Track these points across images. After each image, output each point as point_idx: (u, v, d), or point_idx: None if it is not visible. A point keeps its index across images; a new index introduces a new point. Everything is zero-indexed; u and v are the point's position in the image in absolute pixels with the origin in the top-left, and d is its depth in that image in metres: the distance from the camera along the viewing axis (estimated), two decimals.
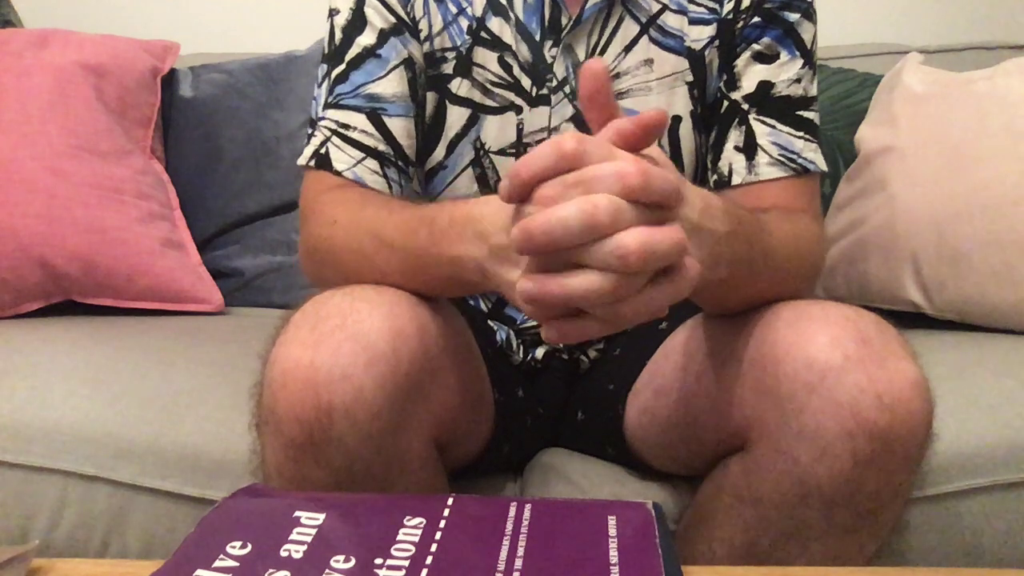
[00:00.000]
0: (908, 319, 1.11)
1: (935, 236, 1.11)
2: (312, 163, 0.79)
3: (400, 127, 0.80)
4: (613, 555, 0.49)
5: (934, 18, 1.62)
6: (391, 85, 0.80)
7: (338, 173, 0.78)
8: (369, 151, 0.79)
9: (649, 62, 0.82)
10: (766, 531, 0.65)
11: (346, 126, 0.79)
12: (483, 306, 0.89)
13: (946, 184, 1.11)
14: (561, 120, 0.82)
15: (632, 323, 0.51)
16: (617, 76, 0.82)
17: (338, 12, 0.81)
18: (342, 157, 0.78)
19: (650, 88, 0.82)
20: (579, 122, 0.82)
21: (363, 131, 0.79)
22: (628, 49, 0.82)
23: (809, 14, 0.81)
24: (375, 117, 0.79)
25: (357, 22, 0.80)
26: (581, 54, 0.82)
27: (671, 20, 0.82)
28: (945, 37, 1.53)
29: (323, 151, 0.79)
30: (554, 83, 0.82)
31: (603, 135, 0.53)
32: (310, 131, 0.81)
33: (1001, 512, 0.81)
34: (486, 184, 0.85)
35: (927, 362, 0.62)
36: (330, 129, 0.79)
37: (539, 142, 0.82)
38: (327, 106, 0.80)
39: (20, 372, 0.90)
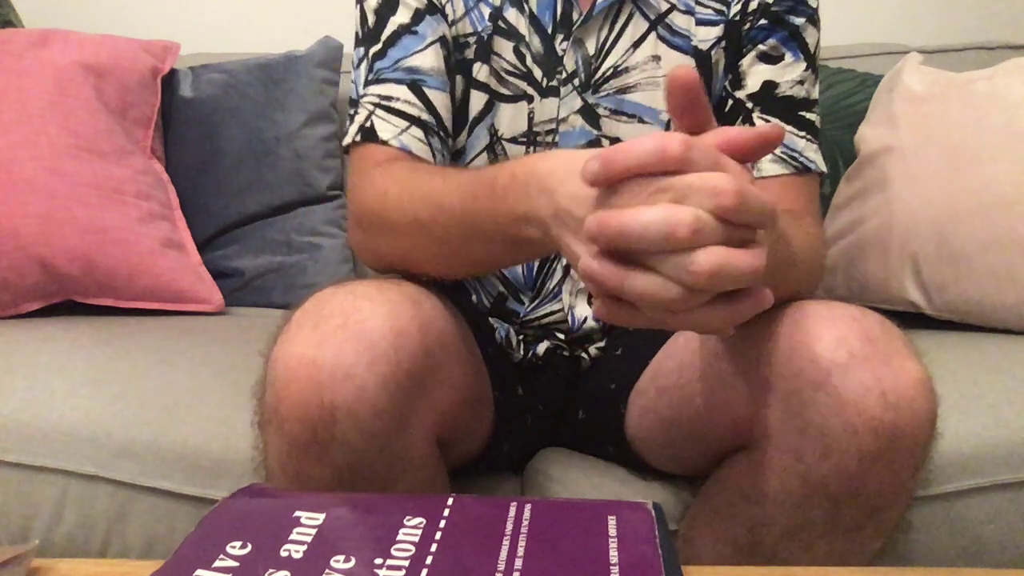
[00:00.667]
0: (908, 319, 1.11)
1: (935, 236, 1.11)
2: (358, 138, 0.80)
3: (440, 99, 0.81)
4: (613, 555, 0.49)
5: (934, 18, 1.62)
6: (428, 59, 0.81)
7: (384, 143, 0.78)
8: (413, 120, 0.79)
9: (656, 58, 0.83)
10: (771, 529, 0.65)
11: (388, 97, 0.80)
12: (485, 301, 0.89)
13: (946, 184, 1.11)
14: (569, 112, 0.83)
15: (679, 329, 0.50)
16: (626, 71, 0.83)
17: None
18: (387, 127, 0.79)
19: (658, 84, 0.83)
20: (587, 114, 0.83)
21: (406, 101, 0.80)
22: (636, 45, 0.83)
23: (814, 20, 0.83)
24: (416, 88, 0.80)
25: (390, 2, 0.82)
26: (591, 48, 0.83)
27: (679, 20, 0.83)
28: (945, 37, 1.53)
29: (368, 124, 0.80)
30: (564, 75, 0.83)
31: (711, 139, 0.51)
32: (352, 111, 0.82)
33: (1001, 512, 0.81)
34: None
35: (927, 362, 0.62)
36: (373, 103, 0.80)
37: (548, 132, 0.82)
38: (368, 83, 0.81)
39: (20, 372, 0.90)
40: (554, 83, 0.83)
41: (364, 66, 0.82)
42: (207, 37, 1.60)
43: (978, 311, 1.09)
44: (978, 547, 0.81)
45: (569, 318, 0.87)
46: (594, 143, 0.83)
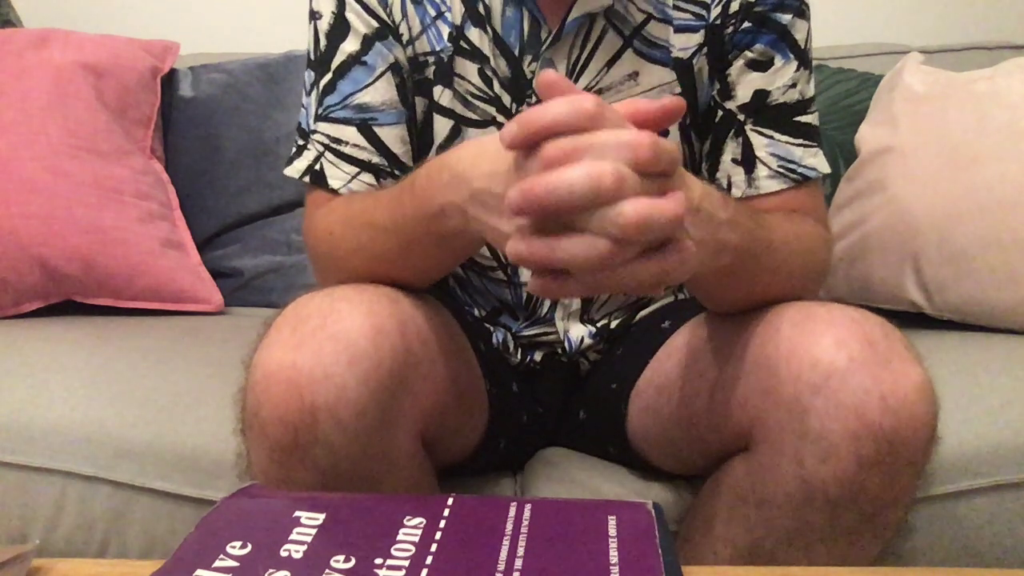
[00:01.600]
0: (908, 319, 1.11)
1: (935, 236, 1.11)
2: (307, 179, 0.79)
3: (392, 135, 0.78)
4: (613, 555, 0.49)
5: (934, 18, 1.62)
6: (379, 93, 0.78)
7: (334, 191, 0.77)
8: (363, 165, 0.78)
9: (634, 75, 0.79)
10: (770, 532, 0.65)
11: (338, 140, 0.78)
12: (477, 313, 0.89)
13: (946, 184, 1.11)
14: None
15: (613, 292, 0.52)
16: (600, 92, 0.79)
17: (320, 16, 0.79)
18: (337, 174, 0.78)
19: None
20: None
21: (355, 145, 0.77)
22: (612, 63, 0.79)
23: (801, 12, 0.78)
24: (366, 128, 0.78)
25: (340, 27, 0.78)
26: (562, 69, 0.78)
27: (656, 30, 0.79)
28: (945, 37, 1.53)
29: (317, 168, 0.78)
30: (534, 100, 0.79)
31: (619, 107, 0.53)
32: (300, 141, 0.80)
33: (1002, 512, 0.81)
34: None
35: (927, 363, 0.62)
36: (323, 144, 0.78)
37: None
38: (317, 118, 0.79)
39: (20, 372, 0.90)
40: (524, 108, 0.79)
41: (315, 97, 0.79)
42: (207, 37, 1.60)
43: (978, 311, 1.09)
44: (978, 547, 0.81)
45: (565, 343, 0.86)
46: None
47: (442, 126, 0.81)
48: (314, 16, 0.79)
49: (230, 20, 1.64)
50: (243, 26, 1.64)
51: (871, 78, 1.35)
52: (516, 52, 0.78)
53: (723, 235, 0.59)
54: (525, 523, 0.53)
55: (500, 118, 0.80)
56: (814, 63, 0.82)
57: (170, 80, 1.41)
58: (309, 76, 0.80)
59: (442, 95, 0.80)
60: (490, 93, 0.79)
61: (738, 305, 0.70)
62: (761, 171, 0.78)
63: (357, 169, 0.78)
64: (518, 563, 0.48)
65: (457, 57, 0.79)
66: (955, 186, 1.10)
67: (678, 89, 0.80)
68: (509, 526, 0.52)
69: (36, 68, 1.24)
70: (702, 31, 0.79)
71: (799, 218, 0.75)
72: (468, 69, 0.79)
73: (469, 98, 0.80)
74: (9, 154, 1.18)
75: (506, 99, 0.79)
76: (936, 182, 1.12)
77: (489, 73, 0.79)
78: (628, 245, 0.49)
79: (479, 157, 0.57)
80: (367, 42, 0.78)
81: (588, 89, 0.79)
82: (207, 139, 1.39)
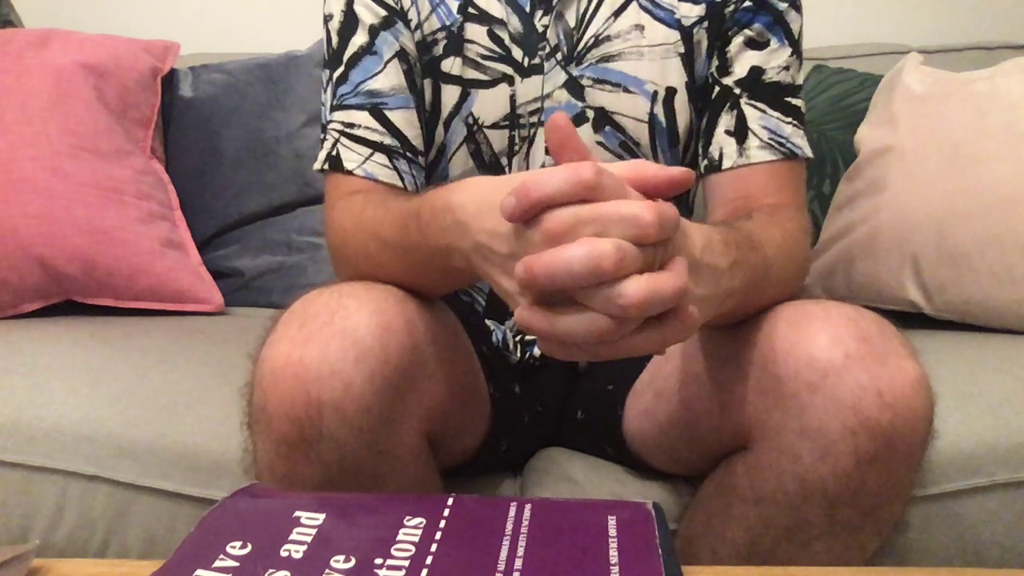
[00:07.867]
0: (908, 319, 1.11)
1: (935, 236, 1.11)
2: (326, 166, 0.81)
3: (403, 119, 0.81)
4: (613, 555, 0.49)
5: (934, 18, 1.62)
6: (388, 79, 0.81)
7: (350, 172, 0.79)
8: (376, 146, 0.80)
9: (640, 27, 0.83)
10: (768, 530, 0.65)
11: (351, 125, 0.81)
12: (477, 307, 0.89)
13: (946, 184, 1.11)
14: (554, 87, 0.83)
15: (617, 358, 0.51)
16: (608, 39, 0.83)
17: (332, 17, 0.83)
18: (351, 156, 0.80)
19: (642, 53, 0.83)
20: (572, 88, 0.83)
21: (367, 127, 0.80)
22: (618, 14, 0.83)
23: (796, 5, 0.83)
24: (377, 112, 0.81)
25: (350, 22, 0.82)
26: (571, 20, 0.83)
27: None
28: (945, 37, 1.53)
29: (334, 153, 0.81)
30: (547, 50, 0.83)
31: (621, 171, 0.52)
32: (322, 136, 0.83)
33: (1001, 512, 0.81)
34: (481, 160, 0.85)
35: (927, 362, 0.62)
36: (337, 131, 0.81)
37: (532, 112, 0.83)
38: (332, 109, 0.82)
39: (20, 372, 0.90)
40: (536, 60, 0.83)
41: (329, 90, 0.83)
42: (207, 37, 1.60)
43: (978, 311, 1.09)
44: (978, 547, 0.81)
45: None
46: (579, 116, 0.83)
47: (450, 95, 0.84)
48: (327, 19, 0.84)
49: (230, 20, 1.64)
50: (243, 26, 1.64)
51: (871, 78, 1.35)
52: (527, 8, 0.83)
53: (726, 284, 0.58)
54: (525, 523, 0.53)
55: (511, 72, 0.83)
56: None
57: (170, 80, 1.41)
58: (325, 75, 0.84)
59: (452, 65, 0.83)
60: (500, 51, 0.83)
61: (735, 321, 0.70)
62: (752, 142, 0.81)
63: (370, 150, 0.80)
64: (518, 563, 0.48)
65: (466, 24, 0.83)
66: (955, 186, 1.10)
67: (682, 50, 0.84)
68: (509, 526, 0.52)
69: (36, 68, 1.24)
70: (704, 5, 0.83)
71: (782, 216, 0.75)
72: (477, 33, 0.83)
73: (480, 60, 0.83)
74: (9, 154, 1.18)
75: (518, 54, 0.83)
76: (936, 182, 1.12)
77: (499, 32, 0.83)
78: (628, 321, 0.49)
79: (481, 209, 0.55)
80: (374, 32, 0.81)
81: (596, 37, 0.83)
82: (207, 139, 1.39)
